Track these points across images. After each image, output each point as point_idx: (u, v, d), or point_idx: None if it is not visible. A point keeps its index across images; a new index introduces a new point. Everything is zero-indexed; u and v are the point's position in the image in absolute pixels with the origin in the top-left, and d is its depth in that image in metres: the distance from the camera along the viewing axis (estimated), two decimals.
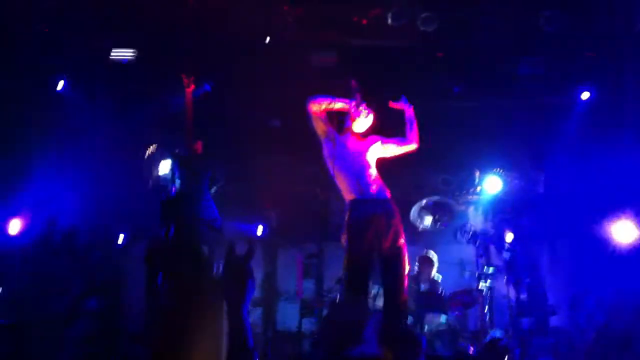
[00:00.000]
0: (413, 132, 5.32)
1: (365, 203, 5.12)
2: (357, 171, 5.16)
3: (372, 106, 5.35)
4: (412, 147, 5.34)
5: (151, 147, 7.28)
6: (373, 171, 5.22)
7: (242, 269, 2.53)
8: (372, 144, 5.30)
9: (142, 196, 6.93)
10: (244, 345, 2.46)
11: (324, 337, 5.56)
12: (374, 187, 5.13)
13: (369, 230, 5.06)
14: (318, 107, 5.26)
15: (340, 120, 5.43)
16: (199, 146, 5.68)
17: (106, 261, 7.19)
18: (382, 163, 5.34)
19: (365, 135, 5.34)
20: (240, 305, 2.49)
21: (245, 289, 2.53)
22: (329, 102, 5.27)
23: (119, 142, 7.53)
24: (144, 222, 7.10)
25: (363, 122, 5.30)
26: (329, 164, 5.24)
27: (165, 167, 7.12)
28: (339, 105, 5.28)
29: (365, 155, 5.24)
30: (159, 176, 7.06)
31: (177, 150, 6.44)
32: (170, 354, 4.41)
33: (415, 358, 4.03)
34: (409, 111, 5.34)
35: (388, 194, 5.17)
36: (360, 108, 5.26)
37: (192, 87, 5.61)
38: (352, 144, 5.29)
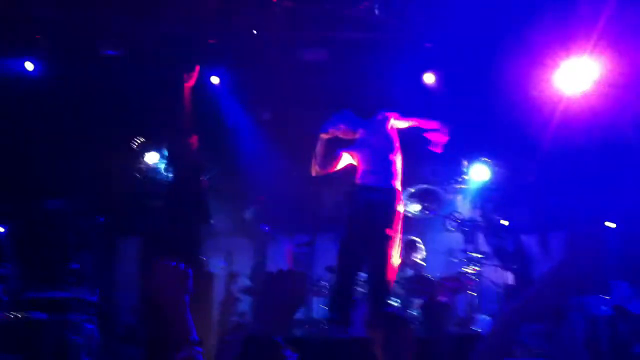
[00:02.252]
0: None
1: (364, 189, 5.20)
2: (370, 160, 5.26)
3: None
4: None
5: (138, 139, 7.35)
6: (390, 158, 5.25)
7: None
8: (387, 122, 5.34)
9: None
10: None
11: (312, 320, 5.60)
12: (379, 175, 5.19)
13: (363, 216, 5.13)
14: (325, 167, 5.41)
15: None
16: (194, 140, 5.70)
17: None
18: None
19: (370, 115, 5.41)
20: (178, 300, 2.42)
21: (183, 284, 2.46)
22: (318, 163, 5.38)
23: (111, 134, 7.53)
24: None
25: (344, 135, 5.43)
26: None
27: (153, 158, 7.20)
28: (322, 150, 5.40)
29: (384, 139, 5.30)
30: (148, 167, 7.13)
31: (170, 145, 6.49)
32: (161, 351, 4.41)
33: (404, 340, 4.07)
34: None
35: (394, 182, 5.20)
36: (336, 132, 5.39)
37: (192, 82, 5.63)
38: (369, 134, 5.38)
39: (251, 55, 7.55)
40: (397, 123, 5.39)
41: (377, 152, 5.25)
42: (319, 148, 5.41)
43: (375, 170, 5.20)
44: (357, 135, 5.43)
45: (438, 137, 5.35)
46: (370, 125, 5.39)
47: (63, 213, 7.08)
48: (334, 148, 5.54)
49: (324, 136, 5.42)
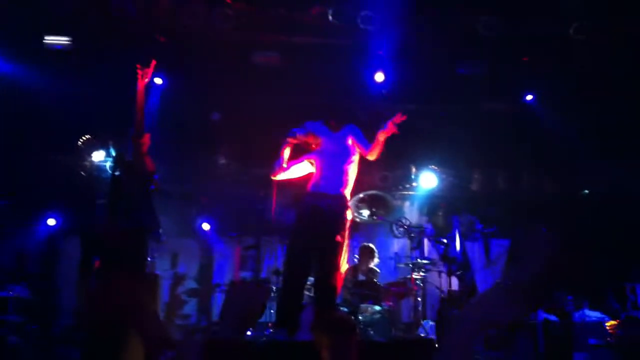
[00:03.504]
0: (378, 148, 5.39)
1: (312, 196, 5.21)
2: (323, 167, 5.28)
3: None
4: (370, 157, 5.41)
5: (85, 136, 7.18)
6: (339, 166, 5.27)
7: None
8: (345, 139, 5.36)
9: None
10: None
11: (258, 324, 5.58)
12: (328, 182, 5.21)
13: (310, 221, 5.14)
14: (281, 173, 5.38)
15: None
16: (146, 139, 5.50)
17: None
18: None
19: (336, 129, 5.41)
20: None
21: None
22: (279, 165, 5.37)
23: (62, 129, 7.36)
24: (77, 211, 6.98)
25: (304, 143, 5.41)
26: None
27: (99, 156, 7.05)
28: (286, 153, 5.39)
29: (341, 152, 5.32)
30: (94, 165, 6.98)
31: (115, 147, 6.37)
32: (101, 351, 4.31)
33: (349, 343, 4.09)
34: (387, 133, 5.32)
35: (342, 190, 5.22)
36: (299, 137, 5.39)
37: (147, 78, 5.48)
38: (329, 146, 5.37)
39: (201, 55, 7.48)
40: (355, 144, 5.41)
41: (331, 161, 5.29)
42: (284, 151, 5.40)
43: (326, 176, 5.24)
44: (320, 144, 5.44)
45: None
46: (332, 135, 5.42)
47: (6, 212, 6.88)
48: (297, 154, 5.52)
49: (291, 140, 5.41)
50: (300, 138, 5.41)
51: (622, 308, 6.33)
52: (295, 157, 5.46)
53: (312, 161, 5.40)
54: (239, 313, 2.25)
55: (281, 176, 5.41)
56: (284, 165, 5.38)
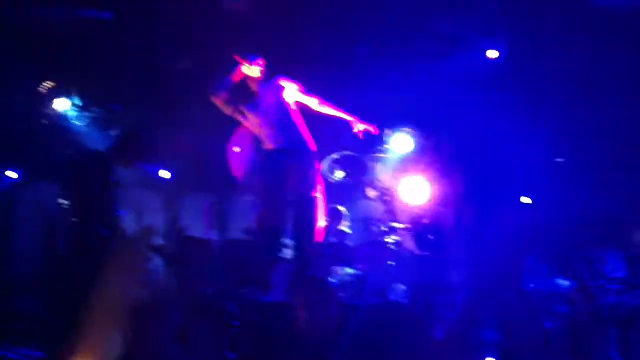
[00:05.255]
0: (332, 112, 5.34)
1: (280, 152, 5.09)
2: (274, 121, 5.12)
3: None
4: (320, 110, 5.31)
5: (46, 82, 6.86)
6: (292, 120, 5.15)
7: None
8: (283, 90, 5.20)
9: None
10: None
11: (230, 283, 5.46)
12: (291, 137, 5.09)
13: (282, 179, 5.04)
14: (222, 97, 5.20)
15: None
16: None
17: None
18: None
19: (267, 79, 5.23)
20: None
21: None
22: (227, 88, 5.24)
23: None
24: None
25: (253, 72, 5.21)
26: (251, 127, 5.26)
27: (63, 104, 6.75)
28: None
29: (280, 105, 5.16)
30: (55, 112, 6.70)
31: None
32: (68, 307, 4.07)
33: (329, 305, 4.03)
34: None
35: (308, 144, 5.13)
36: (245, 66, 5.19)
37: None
38: (264, 98, 5.21)
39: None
40: (297, 96, 5.27)
41: (278, 115, 5.17)
42: (236, 75, 5.23)
43: (283, 132, 5.10)
44: (254, 88, 5.27)
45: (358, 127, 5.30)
46: (265, 85, 5.25)
47: None
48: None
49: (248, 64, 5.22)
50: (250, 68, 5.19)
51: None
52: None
53: (244, 112, 5.22)
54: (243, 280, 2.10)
55: (220, 99, 5.17)
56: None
